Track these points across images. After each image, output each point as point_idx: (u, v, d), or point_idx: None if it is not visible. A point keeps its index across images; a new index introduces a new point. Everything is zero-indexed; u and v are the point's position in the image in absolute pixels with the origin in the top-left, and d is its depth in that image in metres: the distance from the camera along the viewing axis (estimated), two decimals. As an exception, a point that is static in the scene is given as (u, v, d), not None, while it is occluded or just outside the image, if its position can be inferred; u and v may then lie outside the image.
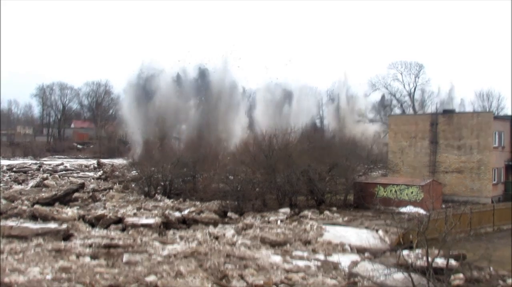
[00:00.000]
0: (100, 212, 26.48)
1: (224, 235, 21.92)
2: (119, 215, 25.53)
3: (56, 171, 53.32)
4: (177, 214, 26.60)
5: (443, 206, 31.41)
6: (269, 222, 24.63)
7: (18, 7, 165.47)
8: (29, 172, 51.90)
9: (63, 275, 14.81)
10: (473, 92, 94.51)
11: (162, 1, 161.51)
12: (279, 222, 24.74)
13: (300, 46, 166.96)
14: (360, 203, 30.87)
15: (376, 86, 71.45)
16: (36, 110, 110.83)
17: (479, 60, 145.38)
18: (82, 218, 25.25)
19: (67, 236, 20.94)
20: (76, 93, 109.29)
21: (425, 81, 71.54)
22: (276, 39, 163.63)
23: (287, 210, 27.75)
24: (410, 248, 19.33)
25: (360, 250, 19.93)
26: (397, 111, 67.93)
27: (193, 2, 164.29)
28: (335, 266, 17.06)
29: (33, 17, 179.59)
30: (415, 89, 71.59)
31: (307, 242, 20.86)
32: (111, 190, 36.93)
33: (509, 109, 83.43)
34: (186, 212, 27.04)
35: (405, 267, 13.48)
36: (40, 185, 40.08)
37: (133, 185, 38.44)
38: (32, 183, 41.25)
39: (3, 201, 29.14)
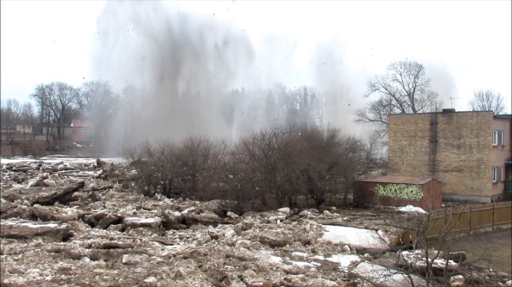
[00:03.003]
0: (99, 211, 26.53)
1: (223, 235, 21.92)
2: (118, 214, 25.58)
3: (55, 170, 53.26)
4: (177, 213, 26.62)
5: (443, 205, 31.49)
6: (268, 221, 24.62)
7: (18, 7, 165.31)
8: (29, 171, 51.79)
9: (63, 276, 14.80)
10: (472, 92, 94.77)
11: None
12: (278, 221, 24.73)
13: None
14: (360, 202, 30.87)
15: (376, 86, 71.40)
16: (36, 110, 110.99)
17: (479, 60, 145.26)
18: (81, 217, 25.32)
19: (66, 236, 20.96)
20: (76, 93, 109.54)
21: (424, 82, 71.45)
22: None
23: (286, 209, 27.75)
24: (410, 248, 19.40)
25: (359, 250, 19.94)
26: (396, 111, 67.94)
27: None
28: (335, 266, 17.06)
29: (33, 17, 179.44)
30: (414, 89, 71.57)
31: (306, 242, 20.87)
32: (110, 189, 36.88)
33: (508, 108, 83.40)
34: (185, 211, 27.03)
35: (405, 268, 13.46)
36: (39, 184, 40.05)
37: (132, 184, 38.44)
38: (31, 182, 41.20)
39: (3, 200, 29.13)
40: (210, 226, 24.34)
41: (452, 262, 14.88)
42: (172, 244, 20.00)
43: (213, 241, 20.91)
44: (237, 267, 16.23)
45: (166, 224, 24.67)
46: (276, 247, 20.11)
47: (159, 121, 75.36)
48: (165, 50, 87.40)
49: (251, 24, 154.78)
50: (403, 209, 28.03)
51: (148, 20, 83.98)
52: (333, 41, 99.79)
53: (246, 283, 14.59)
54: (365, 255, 19.31)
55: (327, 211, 27.93)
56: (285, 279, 15.06)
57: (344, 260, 18.10)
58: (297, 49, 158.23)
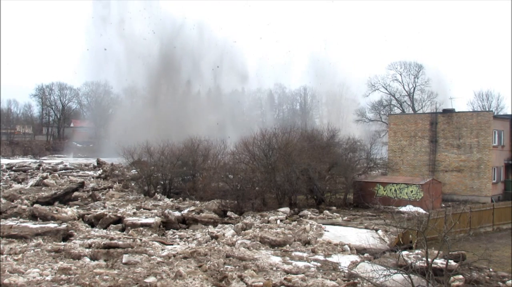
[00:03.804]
0: (99, 211, 26.53)
1: (223, 235, 21.92)
2: (118, 214, 25.58)
3: (55, 170, 53.26)
4: (177, 213, 26.61)
5: (443, 205, 31.49)
6: (268, 221, 24.61)
7: (18, 7, 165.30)
8: (29, 171, 51.78)
9: (63, 276, 14.80)
10: (472, 92, 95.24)
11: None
12: (278, 221, 24.72)
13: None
14: (360, 202, 30.86)
15: (376, 86, 71.47)
16: (36, 110, 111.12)
17: (479, 60, 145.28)
18: (81, 217, 25.32)
19: (66, 236, 20.96)
20: (76, 93, 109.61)
21: (424, 82, 71.52)
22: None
23: (286, 209, 27.74)
24: (410, 248, 19.40)
25: (359, 250, 19.93)
26: (396, 111, 68.02)
27: None
28: (335, 266, 17.05)
29: (33, 17, 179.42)
30: (414, 89, 71.63)
31: (306, 242, 20.86)
32: (110, 189, 36.89)
33: (508, 108, 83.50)
34: (185, 211, 27.02)
35: (405, 268, 13.46)
36: (39, 184, 40.07)
37: (132, 184, 38.43)
38: (31, 182, 41.21)
39: (3, 200, 29.11)
40: (210, 226, 24.34)
41: (452, 262, 14.88)
42: (172, 244, 20.00)
43: (213, 241, 20.91)
44: (237, 267, 16.23)
45: (166, 224, 24.67)
46: (276, 247, 20.11)
47: (159, 121, 75.51)
48: (164, 51, 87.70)
49: (249, 43, 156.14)
50: (403, 209, 28.03)
51: (145, 21, 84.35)
52: (329, 72, 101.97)
53: (246, 283, 14.59)
54: (365, 255, 19.30)
55: (327, 211, 27.93)
56: (285, 279, 15.06)
57: (344, 260, 18.09)
58: (294, 67, 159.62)
